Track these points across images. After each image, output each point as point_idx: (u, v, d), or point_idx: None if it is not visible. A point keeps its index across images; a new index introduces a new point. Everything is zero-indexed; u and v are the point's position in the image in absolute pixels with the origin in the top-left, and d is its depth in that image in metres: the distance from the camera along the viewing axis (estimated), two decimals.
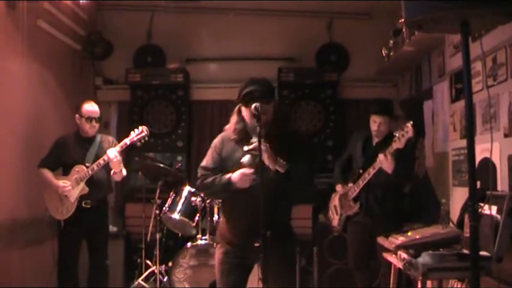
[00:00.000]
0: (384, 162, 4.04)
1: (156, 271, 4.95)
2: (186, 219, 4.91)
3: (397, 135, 3.90)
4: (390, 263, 3.70)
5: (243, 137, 3.00)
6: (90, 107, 4.48)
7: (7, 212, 4.21)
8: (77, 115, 4.48)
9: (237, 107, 3.05)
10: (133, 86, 6.11)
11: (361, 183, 4.26)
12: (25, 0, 4.45)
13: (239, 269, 3.03)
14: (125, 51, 6.20)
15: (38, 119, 4.81)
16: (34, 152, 4.56)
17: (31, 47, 4.61)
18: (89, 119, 4.44)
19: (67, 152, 4.44)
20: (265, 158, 2.82)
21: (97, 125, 4.52)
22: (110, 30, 6.06)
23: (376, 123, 4.35)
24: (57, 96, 5.19)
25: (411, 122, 3.86)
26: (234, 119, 3.06)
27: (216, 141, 3.16)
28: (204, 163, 3.16)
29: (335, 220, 4.65)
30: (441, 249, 3.07)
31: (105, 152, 4.34)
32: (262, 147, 2.77)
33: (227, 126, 3.12)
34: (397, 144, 3.90)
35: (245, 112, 2.97)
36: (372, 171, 4.16)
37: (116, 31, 6.10)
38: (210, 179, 3.05)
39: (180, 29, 6.31)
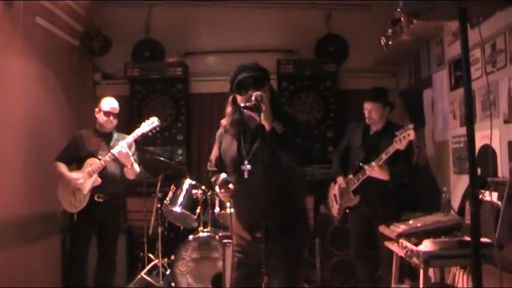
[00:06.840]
0: (373, 172, 4.09)
1: (158, 264, 4.97)
2: (188, 212, 4.92)
3: (398, 136, 3.92)
4: (392, 252, 3.71)
5: (240, 129, 2.89)
6: (110, 103, 4.54)
7: (8, 210, 4.19)
8: (96, 109, 4.55)
9: (231, 97, 2.91)
10: (132, 80, 6.10)
11: (361, 177, 4.26)
12: None
13: (245, 264, 2.92)
14: (123, 46, 6.18)
15: (37, 115, 4.80)
16: (35, 148, 4.57)
17: (29, 44, 4.60)
18: (108, 114, 4.49)
19: (83, 145, 4.47)
20: (263, 117, 2.68)
21: (115, 121, 4.57)
22: (108, 25, 6.03)
23: (367, 110, 4.36)
24: (56, 92, 5.18)
25: (413, 125, 3.87)
26: (229, 109, 2.93)
27: (218, 133, 3.07)
28: (211, 156, 3.12)
29: (334, 209, 4.65)
30: (443, 237, 3.09)
31: None
32: (262, 105, 2.67)
33: (223, 120, 2.99)
34: (398, 145, 3.93)
35: (240, 100, 2.82)
36: (361, 177, 4.22)
37: (113, 26, 6.07)
38: (213, 179, 3.04)
39: (178, 22, 6.29)
